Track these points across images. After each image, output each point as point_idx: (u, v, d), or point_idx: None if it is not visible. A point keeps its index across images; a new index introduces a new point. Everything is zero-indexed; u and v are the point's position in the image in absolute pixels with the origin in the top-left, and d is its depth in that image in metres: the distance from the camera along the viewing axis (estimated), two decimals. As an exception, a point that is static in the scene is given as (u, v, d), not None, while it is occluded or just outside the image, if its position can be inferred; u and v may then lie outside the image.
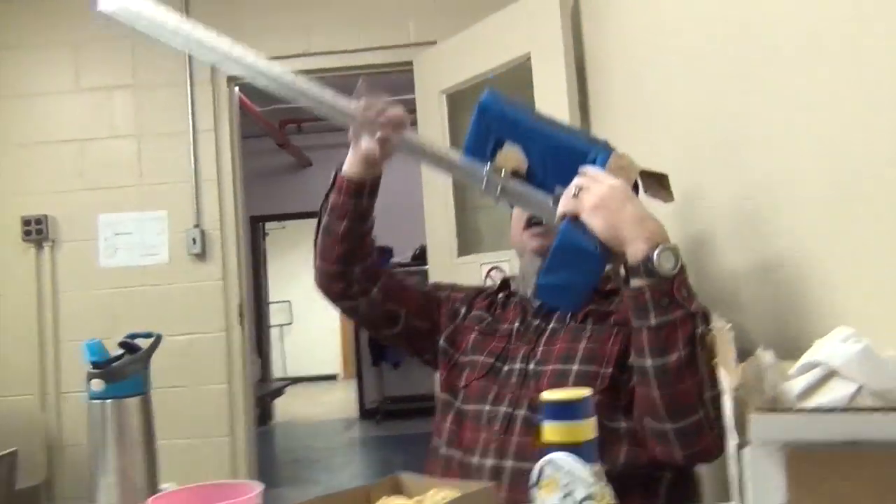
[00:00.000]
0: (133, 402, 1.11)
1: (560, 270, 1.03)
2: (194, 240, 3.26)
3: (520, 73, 2.60)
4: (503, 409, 1.21)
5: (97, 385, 1.10)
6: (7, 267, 3.28)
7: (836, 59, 0.97)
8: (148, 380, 1.15)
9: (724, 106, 1.36)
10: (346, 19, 3.34)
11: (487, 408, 1.23)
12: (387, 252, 6.42)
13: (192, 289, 3.27)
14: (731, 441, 0.63)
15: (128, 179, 3.31)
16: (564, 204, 1.04)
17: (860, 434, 0.53)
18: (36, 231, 3.27)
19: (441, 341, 1.38)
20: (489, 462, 1.17)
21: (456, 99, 3.02)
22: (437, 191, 3.07)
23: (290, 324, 10.20)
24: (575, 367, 1.19)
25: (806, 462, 0.54)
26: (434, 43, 3.16)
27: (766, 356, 0.67)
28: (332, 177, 1.31)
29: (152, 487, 1.13)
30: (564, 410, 0.65)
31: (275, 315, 8.94)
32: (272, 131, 6.49)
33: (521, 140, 1.10)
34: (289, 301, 9.89)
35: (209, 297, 3.28)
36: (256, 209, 6.78)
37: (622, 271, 1.04)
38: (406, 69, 3.24)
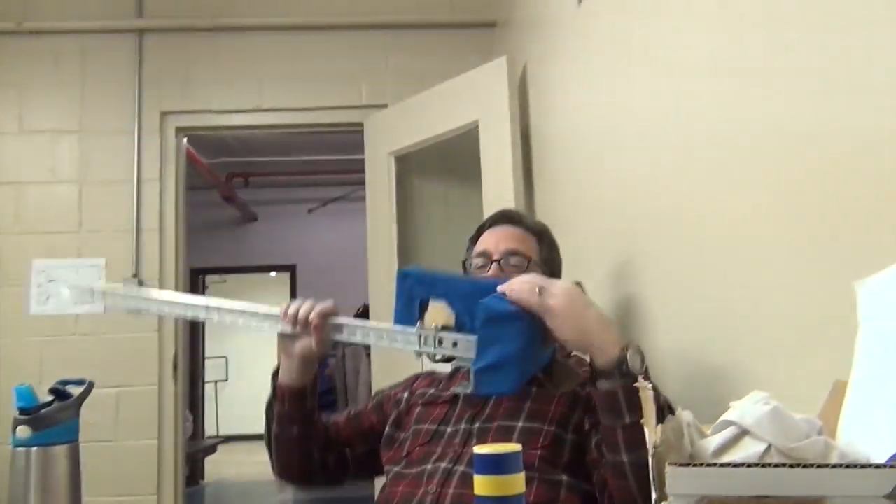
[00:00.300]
0: (60, 451, 1.08)
1: (490, 349, 1.04)
2: (132, 290, 3.20)
3: (467, 140, 2.68)
4: (443, 465, 1.22)
5: (23, 432, 1.06)
6: (-70, 311, 3.15)
7: (751, 146, 1.04)
8: (77, 428, 1.12)
9: (651, 178, 1.43)
10: (299, 78, 3.39)
11: (428, 467, 1.24)
12: (329, 310, 6.35)
13: (125, 340, 3.18)
14: (653, 496, 0.66)
15: (66, 225, 3.24)
16: (528, 300, 1.04)
17: (768, 489, 0.57)
18: (-36, 274, 3.16)
19: (387, 428, 1.40)
20: None
21: (404, 161, 3.08)
22: (380, 251, 3.10)
23: (226, 380, 9.94)
24: (519, 424, 1.22)
25: (718, 514, 0.57)
26: (385, 106, 3.24)
27: (685, 415, 0.71)
28: (270, 387, 1.37)
29: (75, 541, 1.09)
30: (494, 464, 0.67)
31: (210, 371, 8.71)
32: (218, 184, 6.45)
33: (442, 295, 1.15)
34: (225, 357, 9.66)
35: (143, 349, 3.19)
36: (198, 262, 6.66)
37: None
38: (356, 130, 3.31)
